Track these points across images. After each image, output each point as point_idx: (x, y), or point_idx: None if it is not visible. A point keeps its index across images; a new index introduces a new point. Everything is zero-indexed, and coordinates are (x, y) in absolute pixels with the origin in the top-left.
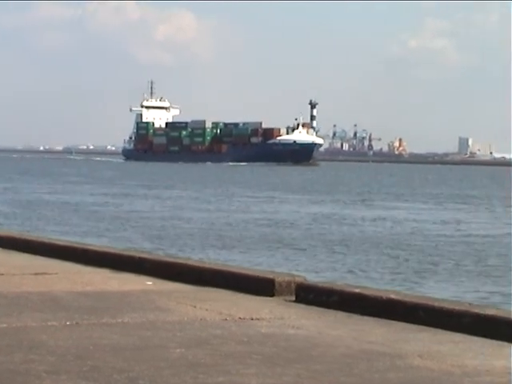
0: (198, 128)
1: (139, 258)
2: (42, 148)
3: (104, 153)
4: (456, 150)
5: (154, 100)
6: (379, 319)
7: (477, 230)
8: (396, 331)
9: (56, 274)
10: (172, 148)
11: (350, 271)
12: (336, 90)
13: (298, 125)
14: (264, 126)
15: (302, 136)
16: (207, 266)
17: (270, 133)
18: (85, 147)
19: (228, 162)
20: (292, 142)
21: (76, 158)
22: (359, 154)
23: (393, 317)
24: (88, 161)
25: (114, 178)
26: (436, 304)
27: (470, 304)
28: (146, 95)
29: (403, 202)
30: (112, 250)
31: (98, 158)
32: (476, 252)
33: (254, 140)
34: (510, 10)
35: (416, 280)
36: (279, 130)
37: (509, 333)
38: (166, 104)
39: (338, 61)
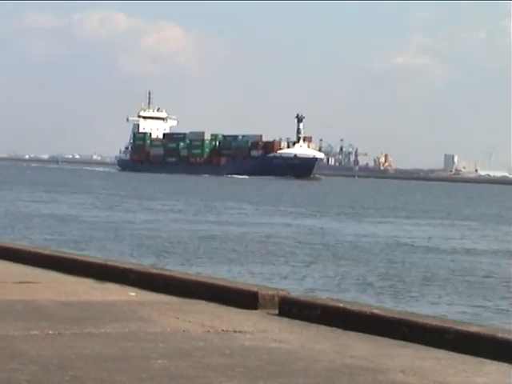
0: (196, 140)
1: (123, 268)
2: (27, 156)
3: (90, 162)
4: (441, 166)
5: (151, 110)
6: (362, 334)
7: (466, 247)
8: (379, 346)
9: (40, 282)
10: (169, 159)
11: (338, 285)
12: (323, 105)
13: (299, 138)
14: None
15: (303, 150)
16: (191, 277)
17: (270, 146)
18: (70, 156)
19: (227, 174)
20: (293, 155)
21: (72, 167)
22: (345, 168)
23: (376, 332)
24: (81, 170)
25: (112, 189)
26: (419, 320)
27: (453, 320)
28: (143, 105)
29: (398, 218)
30: (96, 260)
31: (89, 168)
32: (465, 268)
33: (254, 153)
34: (495, 29)
35: (406, 294)
36: (280, 143)
37: (491, 350)
38: (163, 114)
39: (325, 75)
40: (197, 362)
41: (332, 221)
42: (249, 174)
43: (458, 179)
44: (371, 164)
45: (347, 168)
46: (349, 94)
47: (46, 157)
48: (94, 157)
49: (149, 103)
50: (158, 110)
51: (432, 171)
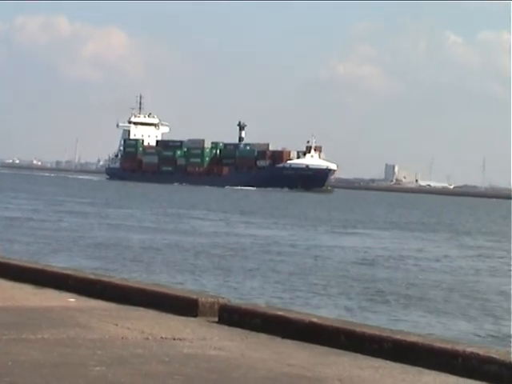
0: (194, 148)
1: (62, 274)
2: None
3: (31, 167)
4: (382, 176)
5: (142, 116)
6: (301, 342)
7: (432, 260)
8: (317, 355)
9: None
10: (164, 168)
11: (280, 294)
12: (265, 113)
13: (310, 148)
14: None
15: (314, 160)
16: (131, 284)
17: (279, 156)
18: (10, 161)
19: (230, 185)
20: (304, 166)
21: (52, 174)
22: None
23: (315, 340)
24: (65, 178)
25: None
26: (357, 329)
27: (391, 330)
28: (134, 110)
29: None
30: (34, 266)
31: (70, 176)
32: (427, 280)
33: (261, 163)
34: (434, 40)
35: (369, 308)
36: (289, 153)
37: (429, 359)
38: (155, 120)
39: (268, 83)
40: (135, 370)
41: (299, 232)
42: (256, 186)
43: (398, 189)
44: None
45: None
46: (291, 102)
47: None
48: (34, 162)
49: (140, 108)
50: (149, 116)
51: (373, 181)
